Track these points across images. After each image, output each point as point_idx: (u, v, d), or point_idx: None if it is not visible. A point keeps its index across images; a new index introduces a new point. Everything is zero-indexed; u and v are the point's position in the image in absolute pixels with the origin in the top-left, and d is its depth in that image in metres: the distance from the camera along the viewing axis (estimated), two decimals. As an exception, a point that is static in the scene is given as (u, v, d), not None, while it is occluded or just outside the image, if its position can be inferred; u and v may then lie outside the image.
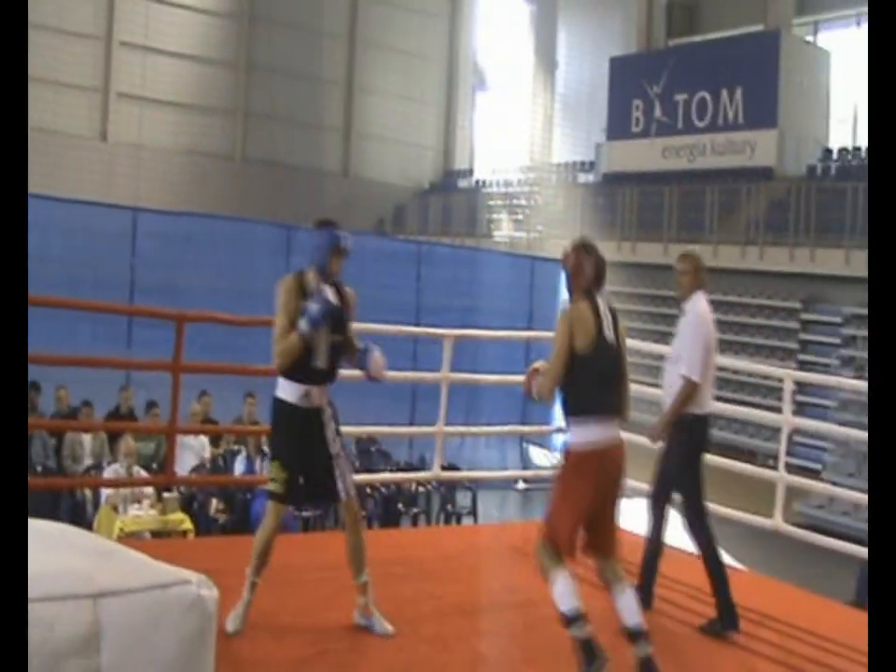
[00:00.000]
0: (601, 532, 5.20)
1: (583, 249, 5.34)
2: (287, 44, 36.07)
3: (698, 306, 6.58)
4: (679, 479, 6.54)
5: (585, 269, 5.26)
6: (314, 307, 5.38)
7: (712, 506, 8.19)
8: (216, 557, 6.55)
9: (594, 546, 5.25)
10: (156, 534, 9.66)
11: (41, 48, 30.73)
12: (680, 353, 6.50)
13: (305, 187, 35.14)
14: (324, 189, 35.46)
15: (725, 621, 6.25)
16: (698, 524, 6.47)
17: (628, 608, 5.08)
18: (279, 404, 5.62)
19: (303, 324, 5.37)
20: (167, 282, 14.83)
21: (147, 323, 13.10)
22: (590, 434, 5.07)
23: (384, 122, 39.19)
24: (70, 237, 14.66)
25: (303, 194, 34.49)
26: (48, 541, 2.06)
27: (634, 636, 5.03)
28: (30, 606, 1.75)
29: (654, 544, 6.66)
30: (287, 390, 5.58)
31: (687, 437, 6.48)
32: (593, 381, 5.09)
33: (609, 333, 5.16)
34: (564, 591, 5.00)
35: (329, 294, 5.55)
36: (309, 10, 36.02)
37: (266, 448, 12.06)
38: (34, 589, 1.78)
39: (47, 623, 1.76)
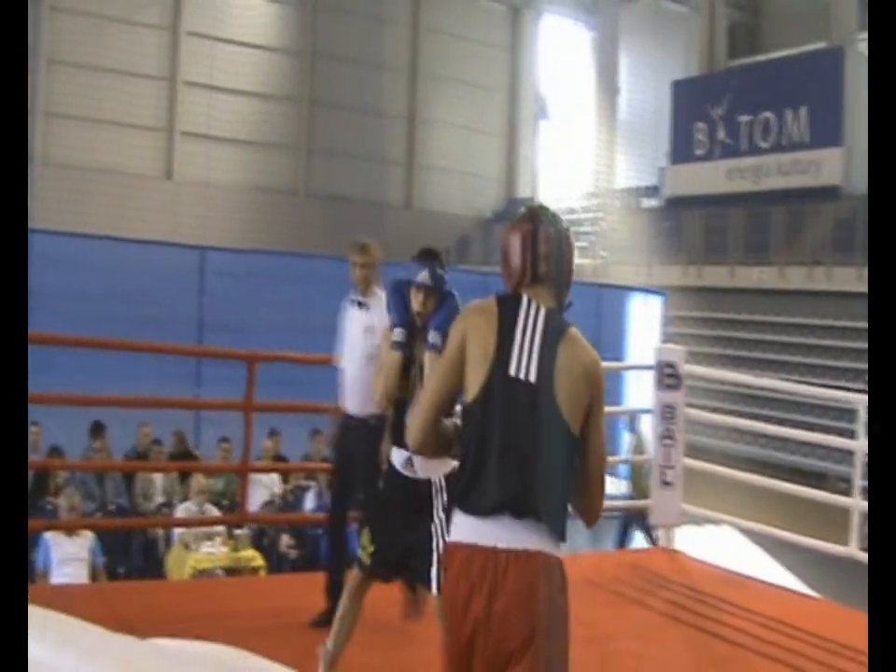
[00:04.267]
0: None
1: (517, 222, 3.31)
2: (348, 79, 36.43)
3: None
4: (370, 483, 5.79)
5: (511, 254, 3.26)
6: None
7: (785, 533, 8.11)
8: (289, 594, 6.61)
9: None
10: (228, 571, 9.72)
11: (107, 90, 31.47)
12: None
13: (369, 220, 35.33)
14: (387, 221, 35.64)
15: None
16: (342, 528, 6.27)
17: None
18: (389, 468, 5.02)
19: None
20: (235, 319, 14.94)
21: (217, 360, 13.22)
22: (460, 528, 3.11)
23: (446, 153, 39.37)
24: (138, 277, 14.83)
25: (367, 227, 34.63)
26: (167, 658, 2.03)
27: None
28: None
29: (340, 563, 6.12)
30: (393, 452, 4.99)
31: (376, 438, 5.65)
32: (475, 451, 3.08)
33: (521, 369, 3.08)
34: None
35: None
36: (370, 45, 36.45)
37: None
38: None
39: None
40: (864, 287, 22.96)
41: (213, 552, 9.84)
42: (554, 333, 3.13)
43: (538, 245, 3.21)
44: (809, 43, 31.30)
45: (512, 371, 3.05)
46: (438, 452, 3.34)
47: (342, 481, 6.24)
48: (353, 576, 4.93)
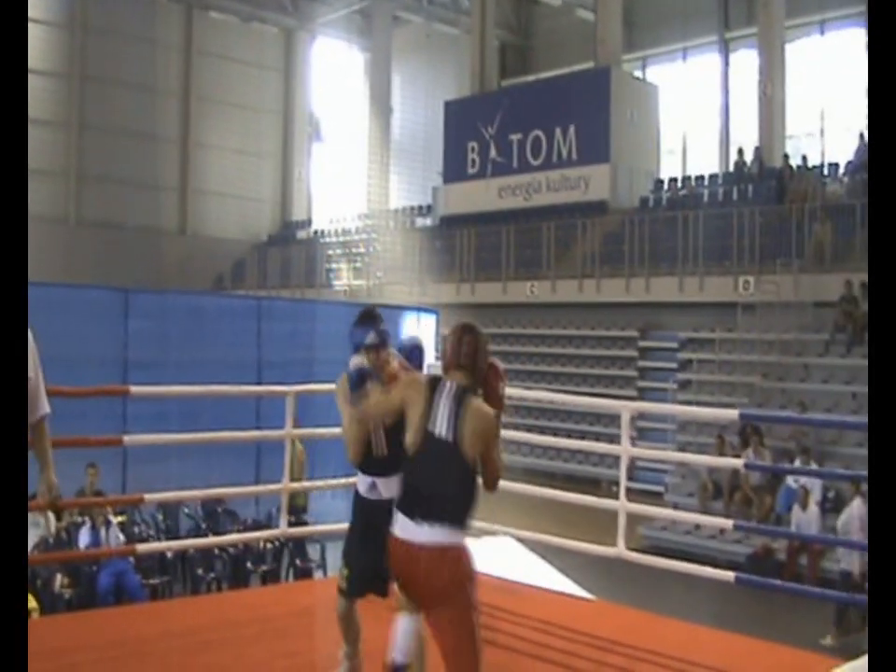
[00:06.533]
0: None
1: (453, 330, 4.94)
2: (119, 103, 35.76)
3: None
4: None
5: (448, 348, 4.89)
6: (350, 371, 5.44)
7: (557, 539, 8.34)
8: (62, 635, 6.46)
9: None
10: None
11: None
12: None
13: (142, 247, 34.72)
14: (161, 248, 35.05)
15: None
16: None
17: None
18: (354, 495, 5.85)
19: (350, 396, 5.43)
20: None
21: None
22: (398, 526, 4.76)
23: (220, 177, 39.07)
24: None
25: (141, 255, 34.02)
26: None
27: None
28: None
29: None
30: (359, 481, 5.76)
31: None
32: (410, 480, 4.82)
33: (440, 429, 4.72)
34: None
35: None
36: (141, 68, 35.79)
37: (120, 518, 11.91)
38: None
39: None
40: (632, 298, 23.85)
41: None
42: (461, 404, 4.71)
43: (462, 346, 4.84)
44: (577, 64, 32.45)
45: (435, 432, 4.69)
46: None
47: None
48: (338, 602, 5.68)
